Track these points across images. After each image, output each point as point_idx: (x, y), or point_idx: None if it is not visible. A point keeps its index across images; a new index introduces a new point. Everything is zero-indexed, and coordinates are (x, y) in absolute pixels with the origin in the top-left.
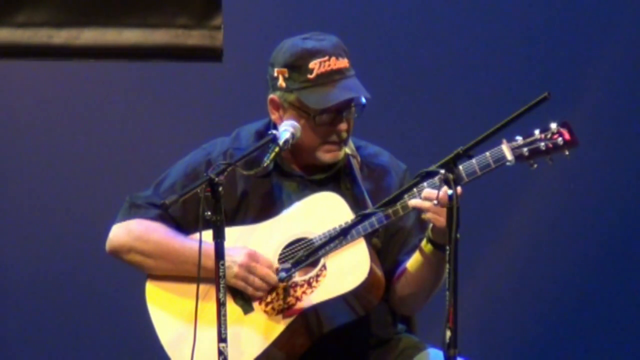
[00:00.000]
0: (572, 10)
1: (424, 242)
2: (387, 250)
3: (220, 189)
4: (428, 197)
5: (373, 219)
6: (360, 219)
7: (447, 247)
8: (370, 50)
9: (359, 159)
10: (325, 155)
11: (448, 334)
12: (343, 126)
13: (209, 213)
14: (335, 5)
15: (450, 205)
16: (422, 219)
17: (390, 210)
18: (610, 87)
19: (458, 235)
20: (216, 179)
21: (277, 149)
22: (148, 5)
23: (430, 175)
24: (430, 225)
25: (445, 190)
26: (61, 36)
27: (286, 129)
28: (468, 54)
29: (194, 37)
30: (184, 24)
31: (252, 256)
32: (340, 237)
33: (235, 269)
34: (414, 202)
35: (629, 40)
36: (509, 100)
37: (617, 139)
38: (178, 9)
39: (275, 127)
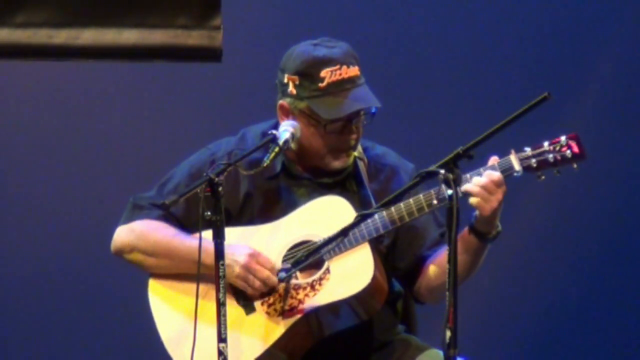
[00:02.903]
0: (572, 11)
1: (466, 230)
2: (403, 247)
3: (220, 188)
4: (478, 182)
5: (379, 224)
6: (360, 219)
7: (449, 247)
8: (369, 51)
9: (366, 160)
10: (334, 162)
11: (448, 334)
12: (353, 135)
13: (209, 213)
14: (335, 6)
15: (451, 207)
16: (436, 214)
17: (396, 217)
18: (611, 88)
19: (500, 229)
20: (216, 179)
21: (277, 149)
22: (147, 6)
23: (430, 175)
24: (476, 212)
25: (494, 176)
26: (61, 36)
27: (286, 129)
28: (468, 54)
29: (194, 38)
30: (184, 24)
31: (254, 257)
32: (340, 237)
33: (237, 270)
34: (465, 187)
35: (629, 40)
36: (509, 100)
37: (617, 139)
38: (177, 9)
39: None
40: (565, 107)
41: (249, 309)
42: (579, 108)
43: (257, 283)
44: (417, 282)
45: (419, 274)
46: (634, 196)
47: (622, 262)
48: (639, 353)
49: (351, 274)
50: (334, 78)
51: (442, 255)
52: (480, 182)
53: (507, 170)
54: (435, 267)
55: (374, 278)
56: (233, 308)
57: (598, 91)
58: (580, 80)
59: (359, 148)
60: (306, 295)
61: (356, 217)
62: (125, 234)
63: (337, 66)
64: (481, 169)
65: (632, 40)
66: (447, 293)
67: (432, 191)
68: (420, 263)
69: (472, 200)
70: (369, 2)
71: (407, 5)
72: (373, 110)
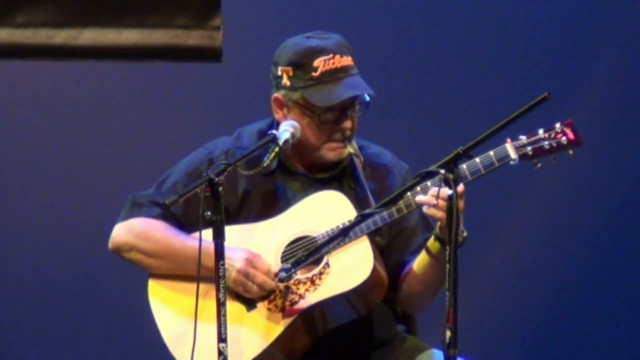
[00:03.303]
0: (572, 10)
1: (431, 240)
2: (391, 250)
3: (220, 188)
4: (433, 194)
5: (377, 217)
6: (360, 219)
7: (447, 247)
8: (370, 50)
9: (362, 158)
10: (330, 154)
11: (448, 334)
12: (347, 124)
13: (209, 213)
14: (335, 5)
15: (451, 205)
16: (426, 218)
17: (393, 209)
18: (610, 87)
19: (465, 234)
20: (216, 179)
21: (277, 149)
22: (147, 6)
23: (430, 175)
24: (438, 222)
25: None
26: (61, 36)
27: (286, 129)
28: (468, 54)
29: (193, 38)
30: (184, 24)
31: (251, 262)
32: (340, 237)
33: (234, 274)
34: (419, 198)
35: (629, 40)
36: (509, 100)
37: (617, 139)
38: (177, 9)
39: (277, 126)
40: (565, 107)
41: (250, 305)
42: (578, 107)
43: (254, 288)
44: (396, 288)
45: (397, 280)
46: (634, 195)
47: (622, 260)
48: (639, 353)
49: (351, 267)
50: (327, 67)
51: (415, 263)
52: (437, 193)
53: (503, 159)
54: (411, 276)
55: (373, 270)
56: (234, 305)
57: (598, 90)
58: (579, 79)
59: (355, 145)
60: (306, 290)
61: (357, 217)
62: (124, 232)
63: (331, 55)
64: (428, 182)
65: (631, 40)
66: (447, 293)
67: (428, 182)
68: (401, 268)
69: (428, 211)
70: (369, 2)
71: (407, 6)
72: (367, 99)
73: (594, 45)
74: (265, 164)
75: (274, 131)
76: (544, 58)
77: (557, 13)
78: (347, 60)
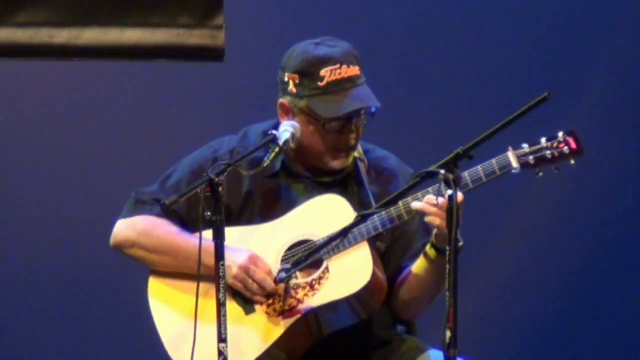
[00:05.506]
0: (573, 11)
1: (428, 247)
2: (390, 254)
3: (220, 189)
4: (430, 201)
5: (377, 222)
6: (360, 219)
7: (447, 249)
8: (370, 51)
9: (366, 162)
10: (333, 162)
11: (448, 334)
12: (352, 134)
13: (209, 213)
14: (336, 5)
15: (450, 206)
16: (425, 223)
17: (394, 215)
18: (611, 88)
19: (461, 243)
20: (216, 179)
21: (277, 149)
22: (149, 5)
23: (430, 175)
24: (434, 230)
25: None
26: (62, 36)
27: (286, 129)
28: (468, 54)
29: (196, 37)
30: (186, 23)
31: (253, 259)
32: (340, 237)
33: (235, 270)
34: (416, 205)
35: (629, 40)
36: (509, 100)
37: (617, 140)
38: (179, 8)
39: None
40: (565, 107)
41: (248, 309)
42: (578, 108)
43: (255, 285)
44: (392, 294)
45: (394, 285)
46: (634, 195)
47: (622, 261)
48: (639, 353)
49: (350, 272)
50: (333, 77)
51: (412, 269)
52: (434, 201)
53: (504, 168)
54: (408, 281)
55: (372, 276)
56: (233, 308)
57: (597, 91)
58: (579, 80)
59: (360, 149)
60: (305, 294)
61: (356, 217)
62: (126, 229)
63: (337, 65)
64: (429, 189)
65: (631, 40)
66: (447, 293)
67: (430, 189)
68: (398, 273)
69: (428, 219)
70: (370, 2)
71: (407, 5)
72: (372, 109)
73: (594, 45)
74: (265, 164)
75: (274, 131)
76: (544, 58)
77: (557, 13)
78: (354, 70)
